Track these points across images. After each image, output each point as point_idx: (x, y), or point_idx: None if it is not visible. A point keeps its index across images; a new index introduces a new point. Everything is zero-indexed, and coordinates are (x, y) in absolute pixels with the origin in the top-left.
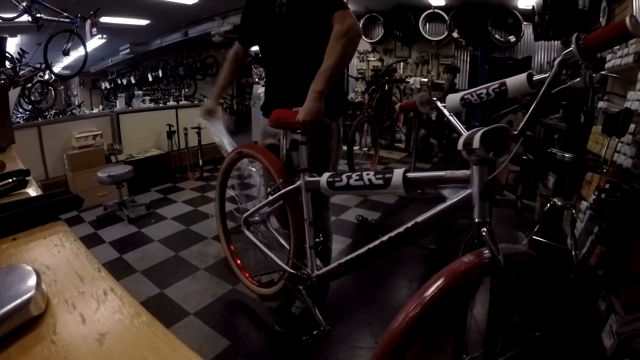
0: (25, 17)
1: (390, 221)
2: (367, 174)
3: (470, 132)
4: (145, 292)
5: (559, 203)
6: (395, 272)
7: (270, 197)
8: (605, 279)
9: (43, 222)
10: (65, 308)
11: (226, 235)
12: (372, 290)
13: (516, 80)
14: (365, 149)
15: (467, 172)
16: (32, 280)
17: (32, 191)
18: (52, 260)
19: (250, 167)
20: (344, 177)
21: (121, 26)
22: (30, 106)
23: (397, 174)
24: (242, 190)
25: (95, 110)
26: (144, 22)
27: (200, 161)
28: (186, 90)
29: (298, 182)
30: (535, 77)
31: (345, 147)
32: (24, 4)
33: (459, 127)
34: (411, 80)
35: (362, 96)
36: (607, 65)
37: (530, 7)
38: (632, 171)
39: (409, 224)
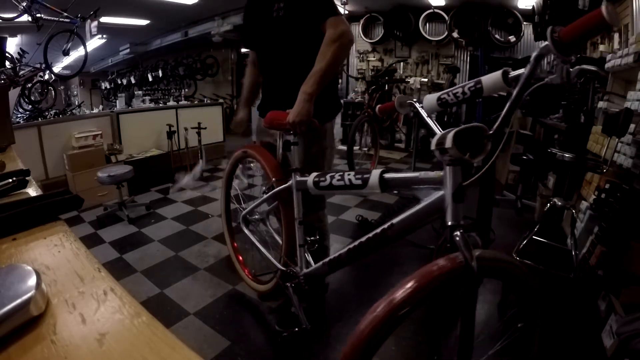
0: (25, 17)
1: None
2: (348, 174)
3: (444, 131)
4: (145, 292)
5: (559, 203)
6: (394, 272)
7: (265, 196)
8: (605, 279)
9: (43, 222)
10: (65, 308)
11: (230, 231)
12: (371, 290)
13: (491, 78)
14: (365, 149)
15: (441, 173)
16: (32, 280)
17: (32, 191)
18: (52, 260)
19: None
20: (327, 177)
21: (121, 26)
22: (30, 106)
23: (374, 174)
24: (245, 189)
25: (95, 110)
26: (144, 22)
27: (200, 161)
28: (186, 90)
29: (290, 182)
30: (512, 74)
31: (345, 147)
32: (24, 4)
33: (436, 129)
34: (411, 80)
35: (362, 96)
36: (607, 65)
37: (530, 7)
38: (632, 171)
39: (385, 225)
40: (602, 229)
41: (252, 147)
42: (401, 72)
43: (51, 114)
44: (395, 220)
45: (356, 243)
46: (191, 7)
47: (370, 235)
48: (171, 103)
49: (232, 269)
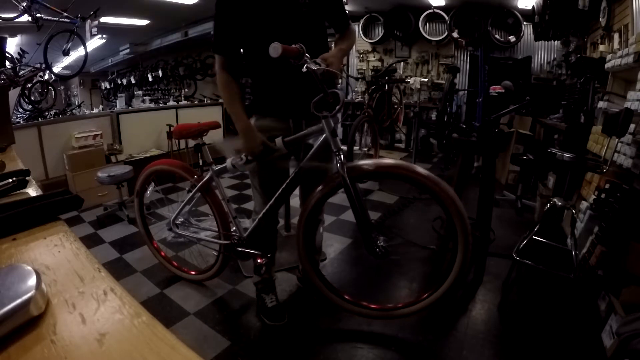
0: (25, 17)
1: (390, 221)
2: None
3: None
4: (145, 292)
5: (559, 203)
6: (395, 272)
7: (189, 194)
8: (605, 279)
9: (43, 222)
10: (65, 308)
11: (154, 244)
12: (372, 290)
13: None
14: (365, 149)
15: (320, 124)
16: (32, 280)
17: (32, 191)
18: (52, 260)
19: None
20: (242, 156)
21: (121, 26)
22: (30, 106)
23: (278, 140)
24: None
25: (95, 110)
26: (144, 22)
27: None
28: (186, 90)
29: (209, 174)
30: None
31: (345, 147)
32: (24, 4)
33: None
34: (411, 80)
35: (362, 96)
36: (607, 65)
37: (530, 7)
38: (632, 171)
39: (297, 168)
40: (602, 229)
41: (162, 162)
42: (401, 72)
43: (51, 114)
44: (302, 163)
45: (280, 189)
46: (191, 7)
47: (289, 178)
48: (171, 103)
49: (232, 269)
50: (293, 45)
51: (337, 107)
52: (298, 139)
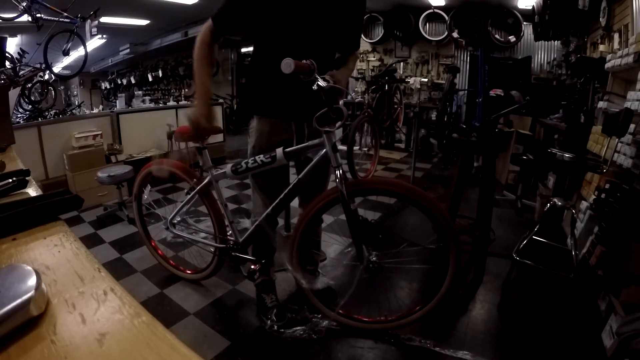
0: (25, 17)
1: (390, 221)
2: (259, 157)
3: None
4: (145, 292)
5: (559, 203)
6: (393, 272)
7: (188, 197)
8: (605, 279)
9: (43, 222)
10: (65, 308)
11: (152, 243)
12: (371, 290)
13: None
14: (365, 149)
15: (322, 139)
16: (32, 280)
17: (32, 191)
18: (52, 260)
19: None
20: (242, 163)
21: (121, 26)
22: (30, 106)
23: (279, 151)
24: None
25: (95, 110)
26: (144, 22)
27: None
28: (186, 90)
29: (208, 178)
30: None
31: (345, 147)
32: (24, 4)
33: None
34: (411, 80)
35: (362, 96)
36: (607, 65)
37: (530, 7)
38: (632, 171)
39: (295, 180)
40: (602, 229)
41: (161, 162)
42: (401, 72)
43: (51, 114)
44: (301, 176)
45: (278, 199)
46: (191, 7)
47: (287, 189)
48: (171, 103)
49: (231, 269)
50: (304, 61)
51: (339, 123)
52: (298, 151)
